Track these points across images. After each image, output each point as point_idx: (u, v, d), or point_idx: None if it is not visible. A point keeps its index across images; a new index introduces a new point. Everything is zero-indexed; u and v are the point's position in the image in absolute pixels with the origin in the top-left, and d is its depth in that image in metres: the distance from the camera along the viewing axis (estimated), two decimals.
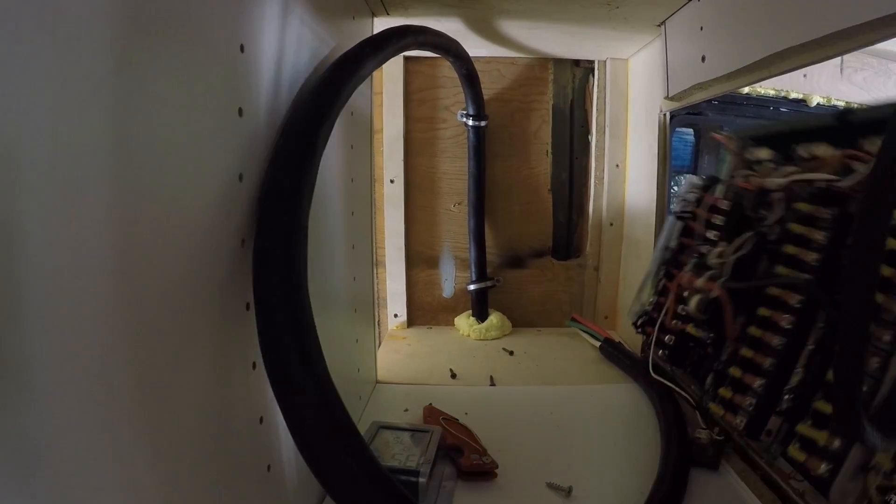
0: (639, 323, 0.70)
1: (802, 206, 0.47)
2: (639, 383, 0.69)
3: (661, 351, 0.63)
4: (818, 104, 0.98)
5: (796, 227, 0.46)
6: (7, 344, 0.18)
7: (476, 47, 0.83)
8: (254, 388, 0.34)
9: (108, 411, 0.22)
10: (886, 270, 0.38)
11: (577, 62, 0.93)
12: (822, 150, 0.48)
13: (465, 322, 0.92)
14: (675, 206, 0.69)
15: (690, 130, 1.00)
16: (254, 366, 0.34)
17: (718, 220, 0.59)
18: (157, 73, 0.24)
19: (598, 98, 0.92)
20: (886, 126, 0.31)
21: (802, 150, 0.51)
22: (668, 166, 0.77)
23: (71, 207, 0.20)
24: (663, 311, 0.62)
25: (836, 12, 0.38)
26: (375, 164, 0.86)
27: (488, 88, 0.90)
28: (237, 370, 0.33)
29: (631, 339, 0.82)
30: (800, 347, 0.44)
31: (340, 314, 0.56)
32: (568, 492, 0.48)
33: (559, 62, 0.93)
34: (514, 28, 0.76)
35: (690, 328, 0.58)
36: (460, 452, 0.51)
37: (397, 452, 0.47)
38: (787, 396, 0.44)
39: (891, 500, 0.35)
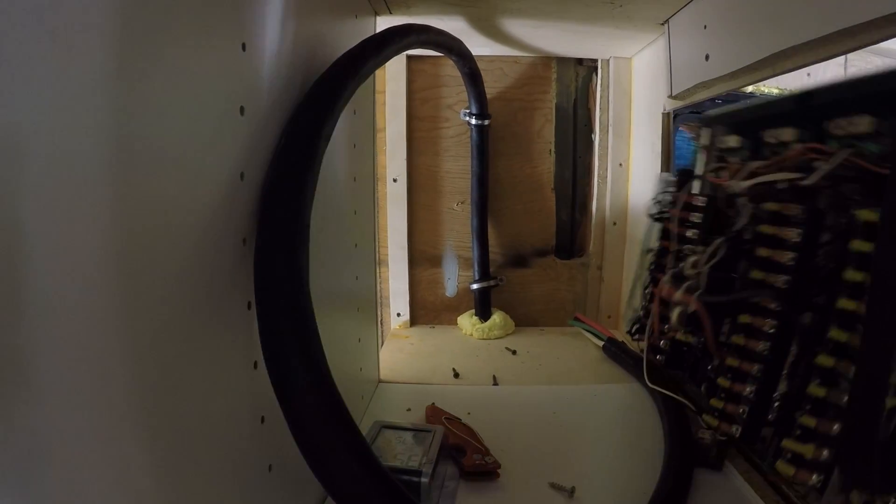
0: (633, 330, 0.70)
1: (771, 206, 0.46)
2: (642, 383, 0.69)
3: (657, 356, 0.63)
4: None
5: (767, 229, 0.46)
6: (8, 344, 0.18)
7: (479, 46, 0.83)
8: (255, 387, 0.34)
9: (108, 411, 0.22)
10: None
11: (580, 61, 0.93)
12: (788, 134, 0.48)
13: (468, 321, 0.92)
14: (651, 208, 0.69)
15: None
16: (255, 365, 0.34)
17: (696, 217, 0.59)
18: (157, 72, 0.24)
19: (601, 97, 0.91)
20: None
21: (770, 136, 0.50)
22: (671, 165, 0.77)
23: (72, 207, 0.20)
24: (650, 320, 0.62)
25: (840, 11, 0.38)
26: (378, 163, 0.86)
27: (491, 87, 0.90)
28: (238, 369, 0.33)
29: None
30: (785, 354, 0.44)
31: (343, 314, 0.56)
32: (571, 492, 0.48)
33: (562, 61, 0.92)
34: (518, 27, 0.75)
35: (680, 335, 0.57)
36: (463, 452, 0.51)
37: (399, 452, 0.47)
38: (775, 404, 0.44)
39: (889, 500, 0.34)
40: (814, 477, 0.37)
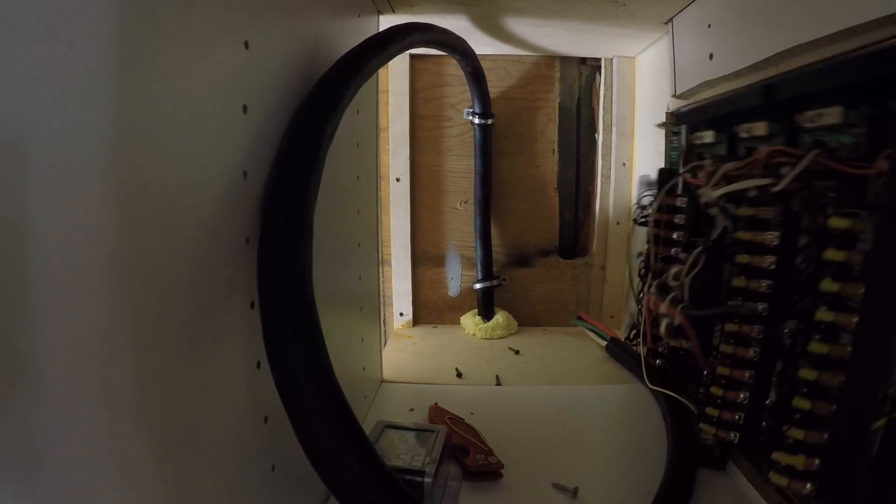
0: (631, 336, 0.70)
1: (745, 211, 0.46)
2: (644, 384, 0.69)
3: (657, 360, 0.63)
4: None
5: (743, 234, 0.46)
6: (13, 343, 0.18)
7: (482, 45, 0.82)
8: (258, 387, 0.34)
9: (111, 410, 0.22)
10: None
11: (583, 60, 0.92)
12: (761, 128, 0.48)
13: (470, 321, 0.92)
14: (633, 212, 0.69)
15: None
16: (258, 365, 0.34)
17: (679, 219, 0.59)
18: (159, 70, 0.24)
19: (604, 96, 0.91)
20: None
21: (743, 131, 0.50)
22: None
23: (75, 206, 0.20)
24: (642, 327, 0.62)
25: (845, 9, 0.37)
26: (381, 162, 0.86)
27: (494, 86, 0.90)
28: (241, 369, 0.33)
29: None
30: (774, 360, 0.44)
31: (346, 313, 0.56)
32: (574, 492, 0.48)
33: (566, 60, 0.92)
34: (521, 26, 0.75)
35: (674, 343, 0.57)
36: (466, 452, 0.51)
37: (402, 452, 0.47)
38: (765, 414, 0.44)
39: None
40: (808, 486, 0.36)
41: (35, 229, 0.19)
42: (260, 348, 0.32)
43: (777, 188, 0.41)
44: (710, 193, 0.50)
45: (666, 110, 0.74)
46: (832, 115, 0.39)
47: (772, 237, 0.44)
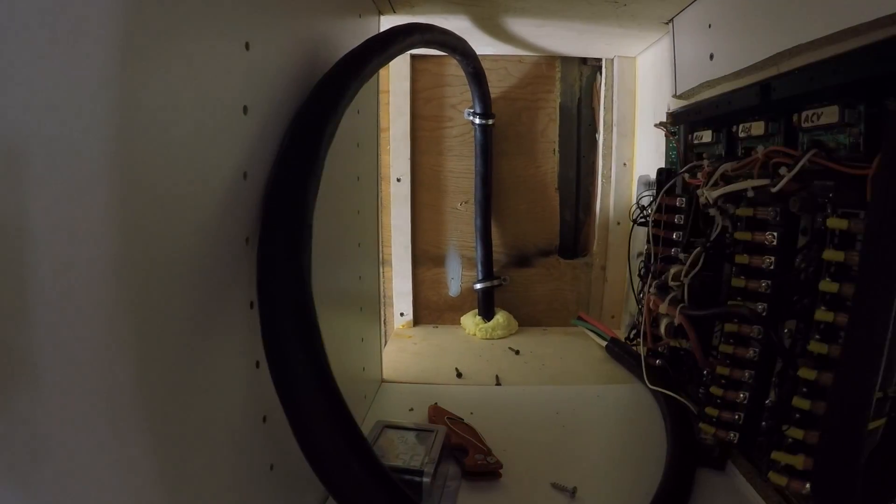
0: (631, 336, 0.69)
1: (743, 212, 0.46)
2: (644, 383, 0.69)
3: (657, 360, 0.63)
4: None
5: (742, 235, 0.46)
6: (14, 342, 0.19)
7: (483, 45, 0.82)
8: (257, 386, 0.34)
9: (110, 409, 0.22)
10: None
11: (584, 60, 0.92)
12: (759, 128, 0.48)
13: (471, 321, 0.92)
14: (632, 212, 0.69)
15: None
16: (257, 364, 0.34)
17: (678, 219, 0.59)
18: (159, 71, 0.24)
19: (605, 96, 0.91)
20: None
21: (741, 131, 0.50)
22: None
23: (75, 206, 0.20)
24: (642, 327, 0.62)
25: (845, 9, 0.37)
26: (382, 162, 0.86)
27: (495, 87, 0.90)
28: (241, 369, 0.33)
29: None
30: (773, 361, 0.44)
31: (346, 313, 0.56)
32: (573, 492, 0.48)
33: (566, 60, 0.92)
34: (522, 26, 0.75)
35: (674, 342, 0.57)
36: (465, 452, 0.51)
37: (401, 452, 0.47)
38: (766, 414, 0.44)
39: None
40: (807, 486, 0.37)
41: (36, 229, 0.19)
42: (259, 348, 0.32)
43: (775, 189, 0.41)
44: (709, 194, 0.50)
45: (667, 110, 0.74)
46: (829, 114, 0.39)
47: (771, 237, 0.44)
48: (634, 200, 0.69)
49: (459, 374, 0.75)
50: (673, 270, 0.55)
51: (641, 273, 0.67)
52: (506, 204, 0.94)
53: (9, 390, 0.19)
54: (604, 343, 0.83)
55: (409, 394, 0.68)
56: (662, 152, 0.76)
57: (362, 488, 0.28)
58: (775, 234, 0.43)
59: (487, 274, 0.91)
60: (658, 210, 0.62)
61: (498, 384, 0.72)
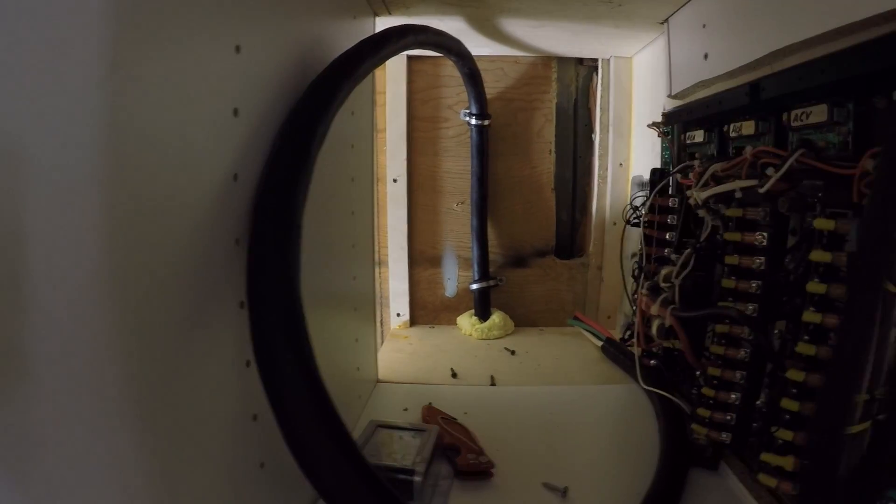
0: (626, 336, 0.70)
1: (732, 212, 0.46)
2: (639, 384, 0.69)
3: (651, 360, 0.63)
4: None
5: (731, 235, 0.46)
6: (7, 341, 0.19)
7: (479, 46, 0.83)
8: (248, 385, 0.34)
9: (102, 408, 0.23)
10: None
11: (580, 60, 0.92)
12: (749, 127, 0.48)
13: (467, 321, 0.92)
14: (626, 212, 0.69)
15: None
16: (248, 364, 0.34)
17: (671, 219, 0.59)
18: (149, 75, 0.25)
19: (601, 96, 0.91)
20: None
21: (732, 130, 0.50)
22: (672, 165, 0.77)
23: (68, 208, 0.21)
24: (636, 328, 0.62)
25: (838, 8, 0.37)
26: (379, 163, 0.87)
27: (491, 87, 0.90)
28: (231, 368, 0.33)
29: None
30: (764, 362, 0.44)
31: (339, 313, 0.57)
32: (564, 492, 0.48)
33: (563, 61, 0.92)
34: (517, 27, 0.76)
35: (667, 343, 0.58)
36: (457, 452, 0.51)
37: (394, 451, 0.47)
38: (756, 415, 0.44)
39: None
40: (795, 487, 0.37)
41: (31, 230, 0.19)
42: (249, 348, 0.32)
43: (763, 189, 0.41)
44: (697, 195, 0.50)
45: (662, 110, 0.74)
46: (818, 113, 0.39)
47: (760, 238, 0.44)
48: (628, 201, 0.70)
49: (454, 375, 0.75)
50: (664, 271, 0.55)
51: (635, 274, 0.67)
52: (502, 204, 0.94)
53: (1, 388, 0.19)
54: (600, 343, 0.83)
55: (404, 394, 0.68)
56: (658, 153, 0.77)
57: (347, 485, 0.28)
58: (765, 234, 0.43)
59: (483, 274, 0.91)
60: (651, 210, 0.62)
61: (493, 384, 0.72)
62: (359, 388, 0.64)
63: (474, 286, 0.92)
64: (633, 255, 0.67)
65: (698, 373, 0.53)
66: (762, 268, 0.44)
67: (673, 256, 0.57)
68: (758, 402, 0.45)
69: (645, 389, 0.62)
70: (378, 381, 0.72)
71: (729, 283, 0.46)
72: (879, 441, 0.31)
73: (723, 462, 0.52)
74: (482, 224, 0.90)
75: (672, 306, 0.52)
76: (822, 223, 0.36)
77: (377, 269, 0.82)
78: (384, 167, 0.90)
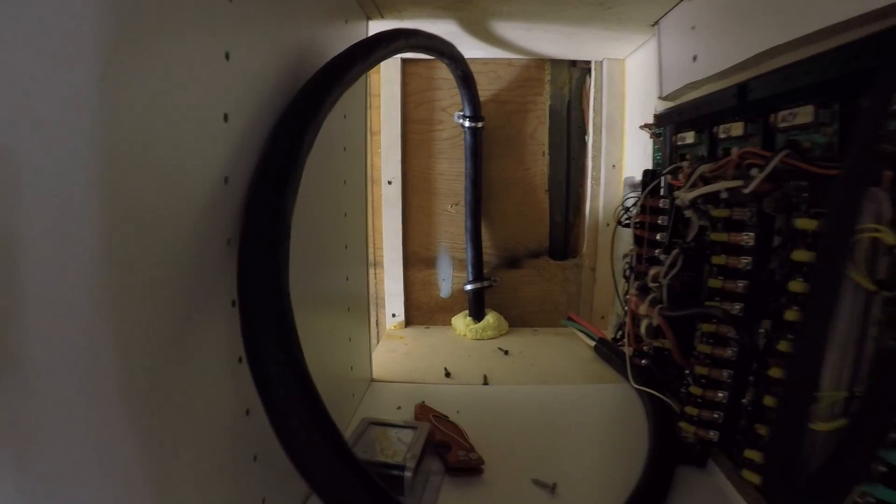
0: (617, 336, 0.70)
1: (718, 213, 0.47)
2: (630, 383, 0.70)
3: (643, 360, 0.64)
4: None
5: (718, 236, 0.46)
6: (5, 340, 0.20)
7: (473, 49, 0.84)
8: (241, 381, 0.35)
9: (98, 403, 0.24)
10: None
11: (573, 63, 0.93)
12: (738, 128, 0.48)
13: (461, 322, 0.93)
14: (617, 213, 0.70)
15: None
16: (240, 360, 0.35)
17: (662, 220, 0.60)
18: (140, 81, 0.25)
19: (594, 98, 0.92)
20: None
21: (721, 131, 0.51)
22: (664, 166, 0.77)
23: (63, 212, 0.22)
24: (626, 328, 0.63)
25: (826, 7, 0.37)
26: (373, 165, 0.87)
27: (485, 90, 0.91)
28: (224, 364, 0.34)
29: None
30: (750, 361, 0.45)
31: (332, 313, 0.57)
32: (552, 488, 0.49)
33: (556, 63, 0.93)
34: (509, 29, 0.76)
35: (657, 343, 0.58)
36: (448, 449, 0.52)
37: (385, 447, 0.48)
38: (742, 412, 0.45)
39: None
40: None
41: (27, 233, 0.20)
42: (240, 344, 0.33)
43: (747, 190, 0.41)
44: (683, 195, 0.50)
45: (654, 112, 0.75)
46: (804, 114, 0.40)
47: (747, 238, 0.44)
48: (621, 202, 0.71)
49: (448, 374, 0.76)
50: (652, 272, 0.56)
51: (626, 274, 0.68)
52: (496, 206, 0.95)
53: (3, 388, 0.20)
54: (593, 344, 0.84)
55: (398, 393, 0.69)
56: (650, 154, 0.77)
57: (337, 479, 0.29)
58: (752, 234, 0.44)
59: (477, 275, 0.92)
60: (642, 211, 0.63)
61: (485, 384, 0.73)
62: (353, 387, 0.64)
63: (469, 287, 0.92)
64: (625, 255, 0.68)
65: (687, 372, 0.54)
66: (749, 267, 0.44)
67: (662, 257, 0.58)
68: (744, 401, 0.45)
69: (636, 388, 0.63)
70: (372, 380, 0.73)
71: (716, 282, 0.46)
72: (853, 434, 0.32)
73: (711, 459, 0.53)
74: (476, 225, 0.91)
75: (660, 306, 0.53)
76: (805, 223, 0.37)
77: (372, 271, 0.83)
78: (379, 169, 0.91)
